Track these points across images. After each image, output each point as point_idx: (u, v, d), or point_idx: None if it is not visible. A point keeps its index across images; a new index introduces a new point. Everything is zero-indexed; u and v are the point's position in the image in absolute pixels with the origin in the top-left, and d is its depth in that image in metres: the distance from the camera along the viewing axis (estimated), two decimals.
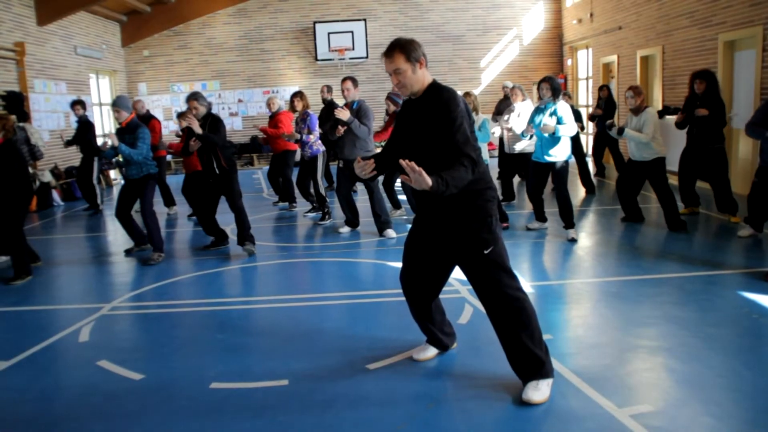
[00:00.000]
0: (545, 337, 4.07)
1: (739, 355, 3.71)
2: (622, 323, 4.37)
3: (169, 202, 9.92)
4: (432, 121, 3.23)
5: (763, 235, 6.48)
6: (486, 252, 3.24)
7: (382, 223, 7.38)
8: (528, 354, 3.29)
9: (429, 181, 2.91)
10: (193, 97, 6.61)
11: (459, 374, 3.61)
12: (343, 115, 7.07)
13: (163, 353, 4.19)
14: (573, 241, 6.76)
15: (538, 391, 3.27)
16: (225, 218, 7.45)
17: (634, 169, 7.25)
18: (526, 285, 5.30)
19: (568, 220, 6.89)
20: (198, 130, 6.44)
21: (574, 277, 5.65)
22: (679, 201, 7.91)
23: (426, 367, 3.73)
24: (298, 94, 8.86)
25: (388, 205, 8.72)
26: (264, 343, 4.28)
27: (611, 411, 3.10)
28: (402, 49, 3.28)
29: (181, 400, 3.46)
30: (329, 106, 7.57)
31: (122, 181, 7.13)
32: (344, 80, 7.47)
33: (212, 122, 6.58)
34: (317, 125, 8.62)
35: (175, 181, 11.63)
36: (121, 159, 6.54)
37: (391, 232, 7.34)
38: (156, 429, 3.17)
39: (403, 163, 2.91)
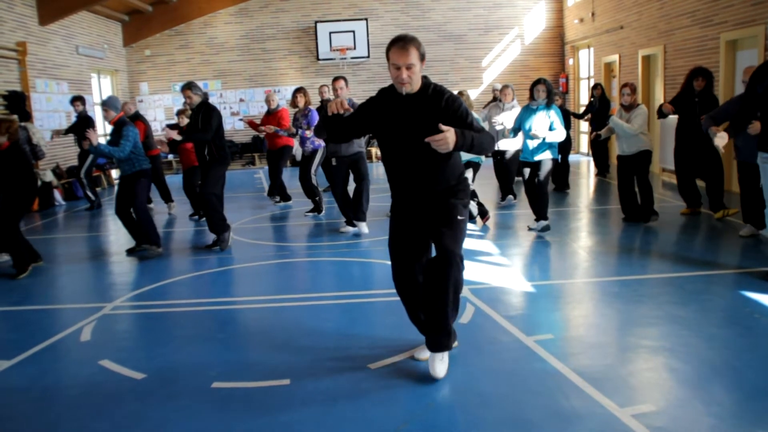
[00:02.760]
0: (546, 336, 4.08)
1: (741, 355, 3.70)
2: (623, 323, 4.36)
3: (167, 198, 9.96)
4: (436, 117, 3.29)
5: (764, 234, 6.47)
6: (459, 218, 3.45)
7: (359, 213, 7.41)
8: (446, 326, 3.48)
9: (452, 136, 3.11)
10: (187, 86, 6.78)
11: (460, 374, 3.61)
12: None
13: (165, 352, 4.19)
14: (533, 230, 7.06)
15: (443, 363, 3.55)
16: (230, 216, 7.44)
17: (625, 166, 7.34)
18: (527, 284, 5.30)
19: (542, 213, 7.01)
20: (177, 137, 6.78)
21: (575, 276, 5.65)
22: (681, 201, 7.92)
23: (427, 367, 3.72)
24: (300, 90, 8.88)
25: (388, 204, 8.72)
26: (265, 343, 4.28)
27: (613, 411, 3.10)
28: (417, 45, 3.29)
29: (183, 400, 3.46)
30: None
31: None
32: (338, 79, 7.46)
33: (205, 112, 6.68)
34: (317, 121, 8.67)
35: (177, 180, 11.63)
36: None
37: (363, 227, 7.42)
38: (158, 428, 3.17)
39: (430, 139, 3.13)
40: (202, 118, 6.67)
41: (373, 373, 3.68)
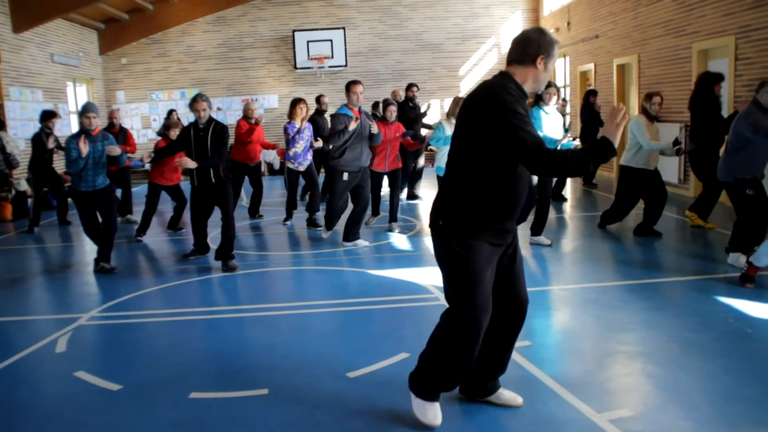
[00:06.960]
0: (524, 343, 4.10)
1: (717, 360, 3.75)
2: (601, 329, 4.40)
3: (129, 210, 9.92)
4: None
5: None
6: None
7: (355, 235, 7.30)
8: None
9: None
10: (201, 97, 6.23)
11: None
12: (375, 128, 7.23)
13: (142, 363, 4.14)
14: (548, 245, 6.88)
15: None
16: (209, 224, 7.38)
17: (649, 180, 7.06)
18: None
19: (540, 228, 6.91)
20: (192, 165, 6.18)
21: (553, 283, 5.69)
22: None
23: (405, 376, 3.72)
24: (303, 101, 8.46)
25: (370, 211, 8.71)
26: (244, 352, 4.24)
27: (590, 416, 3.12)
28: None
29: (160, 410, 3.42)
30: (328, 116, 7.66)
31: None
32: (357, 83, 7.11)
33: (218, 132, 6.24)
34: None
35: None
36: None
37: (362, 242, 7.27)
38: None
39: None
40: (214, 138, 6.22)
41: (352, 381, 3.67)
